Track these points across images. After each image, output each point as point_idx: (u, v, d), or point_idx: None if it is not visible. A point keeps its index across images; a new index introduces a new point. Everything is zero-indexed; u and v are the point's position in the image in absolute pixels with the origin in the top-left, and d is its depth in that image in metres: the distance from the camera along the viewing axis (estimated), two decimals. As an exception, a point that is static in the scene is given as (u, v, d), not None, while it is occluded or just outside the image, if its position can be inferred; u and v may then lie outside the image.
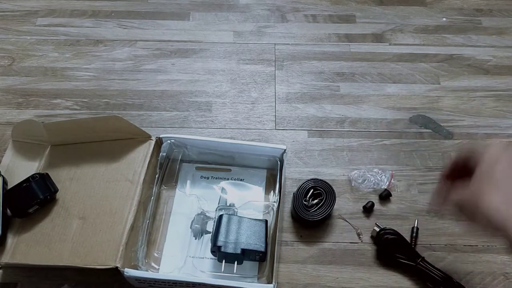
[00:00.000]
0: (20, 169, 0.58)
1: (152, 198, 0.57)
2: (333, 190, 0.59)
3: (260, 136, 0.68)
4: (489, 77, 0.75)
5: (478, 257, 0.57)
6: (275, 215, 0.57)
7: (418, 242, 0.58)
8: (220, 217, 0.54)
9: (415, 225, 0.59)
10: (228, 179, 0.62)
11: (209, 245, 0.55)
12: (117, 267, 0.50)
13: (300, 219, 0.58)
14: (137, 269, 0.52)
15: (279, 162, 0.60)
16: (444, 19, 0.83)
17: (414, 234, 0.58)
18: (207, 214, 0.58)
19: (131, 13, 0.83)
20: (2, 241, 0.53)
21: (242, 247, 0.51)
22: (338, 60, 0.77)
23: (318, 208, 0.58)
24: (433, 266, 0.54)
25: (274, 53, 0.78)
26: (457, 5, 0.85)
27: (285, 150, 0.59)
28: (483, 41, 0.80)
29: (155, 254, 0.56)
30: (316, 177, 0.60)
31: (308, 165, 0.65)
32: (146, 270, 0.53)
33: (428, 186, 0.63)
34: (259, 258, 0.53)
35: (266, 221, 0.55)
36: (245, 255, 0.52)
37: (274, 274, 0.51)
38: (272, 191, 0.61)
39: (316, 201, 0.59)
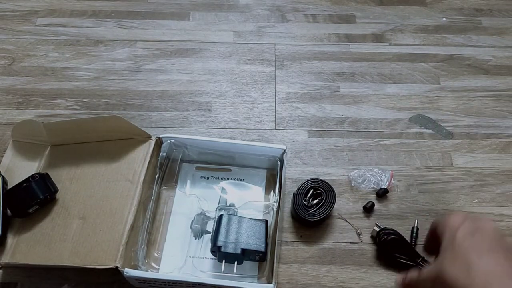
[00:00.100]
0: (20, 169, 0.58)
1: (152, 198, 0.57)
2: (333, 190, 0.59)
3: (260, 136, 0.68)
4: (489, 77, 0.75)
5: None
6: (275, 215, 0.57)
7: (418, 242, 0.58)
8: (220, 217, 0.54)
9: (415, 225, 0.59)
10: (228, 179, 0.62)
11: (209, 245, 0.55)
12: (117, 267, 0.50)
13: (300, 219, 0.58)
14: (137, 269, 0.52)
15: (279, 162, 0.60)
16: (444, 19, 0.83)
17: (414, 234, 0.58)
18: (207, 214, 0.58)
19: (131, 13, 0.83)
20: (2, 241, 0.53)
21: (242, 247, 0.51)
22: (338, 60, 0.77)
23: (318, 208, 0.58)
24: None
25: (274, 53, 0.78)
26: (457, 5, 0.85)
27: (285, 150, 0.59)
28: (483, 41, 0.80)
29: (155, 254, 0.56)
30: (316, 177, 0.60)
31: (308, 165, 0.65)
32: (146, 270, 0.53)
33: (428, 186, 0.63)
34: (259, 258, 0.53)
35: (266, 221, 0.55)
36: (245, 255, 0.52)
37: (274, 274, 0.51)
38: (272, 191, 0.61)
39: (316, 201, 0.59)
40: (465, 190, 0.63)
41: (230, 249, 0.51)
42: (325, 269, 0.57)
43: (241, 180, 0.62)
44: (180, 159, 0.62)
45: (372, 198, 0.62)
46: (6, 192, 0.54)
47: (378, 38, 0.80)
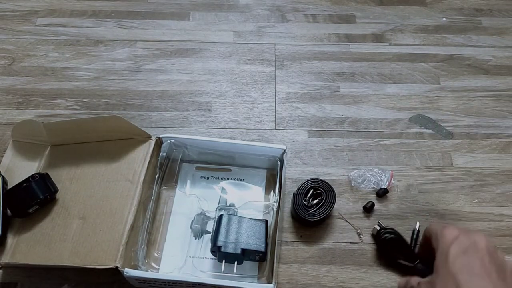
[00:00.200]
0: (20, 169, 0.58)
1: (152, 198, 0.57)
2: (333, 190, 0.59)
3: (260, 136, 0.68)
4: (489, 77, 0.75)
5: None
6: (275, 215, 0.57)
7: (418, 244, 0.58)
8: (220, 217, 0.54)
9: (417, 228, 0.58)
10: (228, 179, 0.62)
11: (209, 245, 0.55)
12: (117, 267, 0.50)
13: (300, 219, 0.58)
14: (137, 269, 0.52)
15: (279, 162, 0.60)
16: (444, 19, 0.83)
17: (414, 236, 0.58)
18: (207, 214, 0.58)
19: (131, 13, 0.83)
20: (2, 241, 0.53)
21: (242, 247, 0.51)
22: (338, 60, 0.77)
23: (318, 208, 0.58)
24: (430, 270, 0.54)
25: (274, 53, 0.78)
26: (457, 5, 0.85)
27: (285, 150, 0.59)
28: (483, 41, 0.80)
29: (155, 254, 0.56)
30: (316, 177, 0.60)
31: (308, 165, 0.65)
32: (146, 270, 0.53)
33: (428, 186, 0.63)
34: (259, 258, 0.53)
35: (266, 221, 0.55)
36: (245, 255, 0.52)
37: (274, 274, 0.51)
38: (272, 191, 0.61)
39: (316, 201, 0.59)
40: (465, 190, 0.63)
41: (230, 249, 0.51)
42: (325, 269, 0.57)
43: (241, 180, 0.62)
44: (180, 159, 0.62)
45: (372, 198, 0.62)
46: (6, 192, 0.54)
47: (378, 38, 0.80)
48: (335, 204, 0.58)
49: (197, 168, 0.63)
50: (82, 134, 0.60)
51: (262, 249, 0.51)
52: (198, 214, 0.58)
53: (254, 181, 0.62)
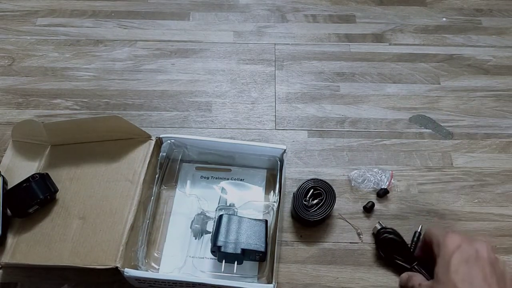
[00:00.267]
0: (20, 169, 0.58)
1: (152, 198, 0.57)
2: (333, 190, 0.59)
3: (260, 136, 0.68)
4: (489, 77, 0.75)
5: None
6: (275, 215, 0.57)
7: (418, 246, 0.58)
8: (220, 217, 0.54)
9: (418, 230, 0.58)
10: (228, 179, 0.62)
11: (209, 245, 0.55)
12: (117, 267, 0.50)
13: (300, 219, 0.58)
14: (137, 269, 0.52)
15: (279, 162, 0.60)
16: (444, 19, 0.83)
17: (415, 239, 0.57)
18: (207, 214, 0.58)
19: (131, 13, 0.83)
20: (2, 241, 0.53)
21: (242, 247, 0.51)
22: (338, 60, 0.77)
23: (318, 208, 0.58)
24: (427, 273, 0.54)
25: (274, 53, 0.78)
26: (457, 5, 0.85)
27: (285, 150, 0.59)
28: (483, 41, 0.80)
29: (155, 254, 0.56)
30: (316, 177, 0.60)
31: (308, 165, 0.65)
32: (146, 270, 0.53)
33: (428, 186, 0.63)
34: (259, 258, 0.53)
35: (266, 221, 0.55)
36: (245, 255, 0.52)
37: (274, 274, 0.51)
38: (272, 191, 0.61)
39: (316, 201, 0.59)
40: (465, 190, 0.63)
41: (230, 249, 0.51)
42: (325, 269, 0.57)
43: (241, 180, 0.62)
44: (180, 159, 0.62)
45: (372, 198, 0.62)
46: (6, 192, 0.54)
47: (378, 38, 0.80)
48: (335, 204, 0.58)
49: (197, 168, 0.63)
50: (82, 134, 0.60)
51: (262, 249, 0.51)
52: (198, 214, 0.58)
53: (254, 181, 0.62)
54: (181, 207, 0.60)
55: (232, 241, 0.51)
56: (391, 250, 0.56)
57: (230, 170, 0.63)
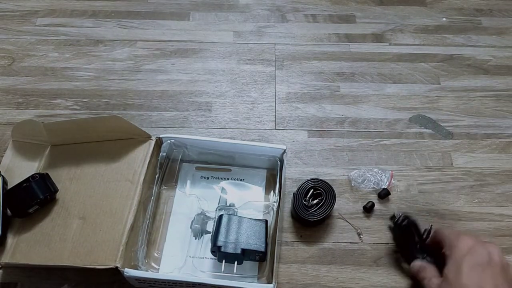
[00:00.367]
0: (20, 169, 0.58)
1: (152, 198, 0.57)
2: (333, 190, 0.59)
3: (260, 136, 0.68)
4: (489, 77, 0.75)
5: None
6: (275, 215, 0.57)
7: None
8: (220, 217, 0.54)
9: (429, 228, 0.55)
10: (228, 179, 0.62)
11: (209, 245, 0.55)
12: (117, 267, 0.50)
13: (300, 219, 0.58)
14: (137, 269, 0.52)
15: (279, 162, 0.60)
16: (444, 19, 0.83)
17: (424, 236, 0.55)
18: (207, 214, 0.58)
19: (131, 13, 0.83)
20: (2, 241, 0.53)
21: (242, 247, 0.51)
22: (338, 60, 0.77)
23: (318, 208, 0.58)
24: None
25: (274, 53, 0.78)
26: (457, 5, 0.85)
27: (285, 150, 0.59)
28: (483, 41, 0.80)
29: (155, 254, 0.56)
30: (316, 177, 0.60)
31: (308, 165, 0.65)
32: (146, 270, 0.53)
33: (428, 186, 0.63)
34: (259, 258, 0.53)
35: (266, 221, 0.55)
36: (245, 255, 0.52)
37: (274, 274, 0.51)
38: (272, 191, 0.61)
39: (316, 201, 0.59)
40: (465, 190, 0.63)
41: (230, 249, 0.51)
42: (325, 269, 0.57)
43: (241, 180, 0.62)
44: (180, 159, 0.62)
45: (372, 198, 0.62)
46: (6, 192, 0.54)
47: (378, 38, 0.80)
48: (335, 204, 0.58)
49: (197, 168, 0.63)
50: (82, 134, 0.60)
51: (262, 249, 0.51)
52: (198, 214, 0.58)
53: (254, 181, 0.62)
54: (181, 207, 0.60)
55: (232, 241, 0.51)
56: (407, 238, 0.55)
57: (230, 170, 0.63)
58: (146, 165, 0.58)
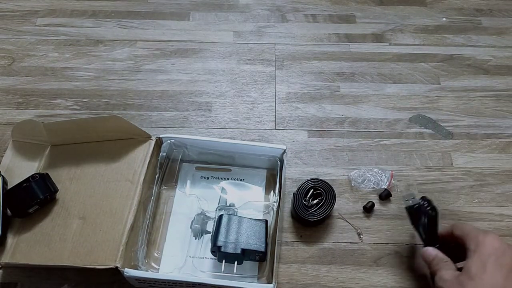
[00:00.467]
0: (20, 169, 0.58)
1: (152, 198, 0.57)
2: (333, 190, 0.59)
3: (260, 136, 0.68)
4: (489, 77, 0.75)
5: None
6: (275, 215, 0.57)
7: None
8: (220, 217, 0.54)
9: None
10: (228, 179, 0.62)
11: (209, 245, 0.55)
12: (117, 267, 0.50)
13: (300, 219, 0.58)
14: (137, 269, 0.52)
15: (279, 162, 0.60)
16: (444, 19, 0.83)
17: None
18: (207, 214, 0.58)
19: (131, 13, 0.83)
20: (2, 241, 0.53)
21: (242, 247, 0.51)
22: (338, 60, 0.77)
23: (318, 208, 0.58)
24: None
25: (274, 53, 0.78)
26: (457, 5, 0.85)
27: (285, 150, 0.59)
28: (483, 41, 0.80)
29: (155, 254, 0.56)
30: (316, 177, 0.60)
31: (308, 165, 0.65)
32: (146, 270, 0.53)
33: (428, 186, 0.63)
34: (259, 258, 0.53)
35: (266, 221, 0.55)
36: (245, 255, 0.52)
37: (274, 274, 0.51)
38: (272, 191, 0.61)
39: (316, 201, 0.59)
40: (465, 190, 0.63)
41: (230, 249, 0.51)
42: (325, 269, 0.57)
43: (241, 180, 0.62)
44: (180, 159, 0.62)
45: (372, 198, 0.62)
46: (6, 192, 0.54)
47: (378, 38, 0.80)
48: (335, 204, 0.58)
49: (197, 168, 0.63)
50: (82, 134, 0.60)
51: (262, 249, 0.51)
52: (198, 214, 0.58)
53: (254, 181, 0.62)
54: (181, 207, 0.60)
55: (232, 241, 0.51)
56: (427, 224, 0.53)
57: (230, 170, 0.63)
58: (146, 165, 0.58)
